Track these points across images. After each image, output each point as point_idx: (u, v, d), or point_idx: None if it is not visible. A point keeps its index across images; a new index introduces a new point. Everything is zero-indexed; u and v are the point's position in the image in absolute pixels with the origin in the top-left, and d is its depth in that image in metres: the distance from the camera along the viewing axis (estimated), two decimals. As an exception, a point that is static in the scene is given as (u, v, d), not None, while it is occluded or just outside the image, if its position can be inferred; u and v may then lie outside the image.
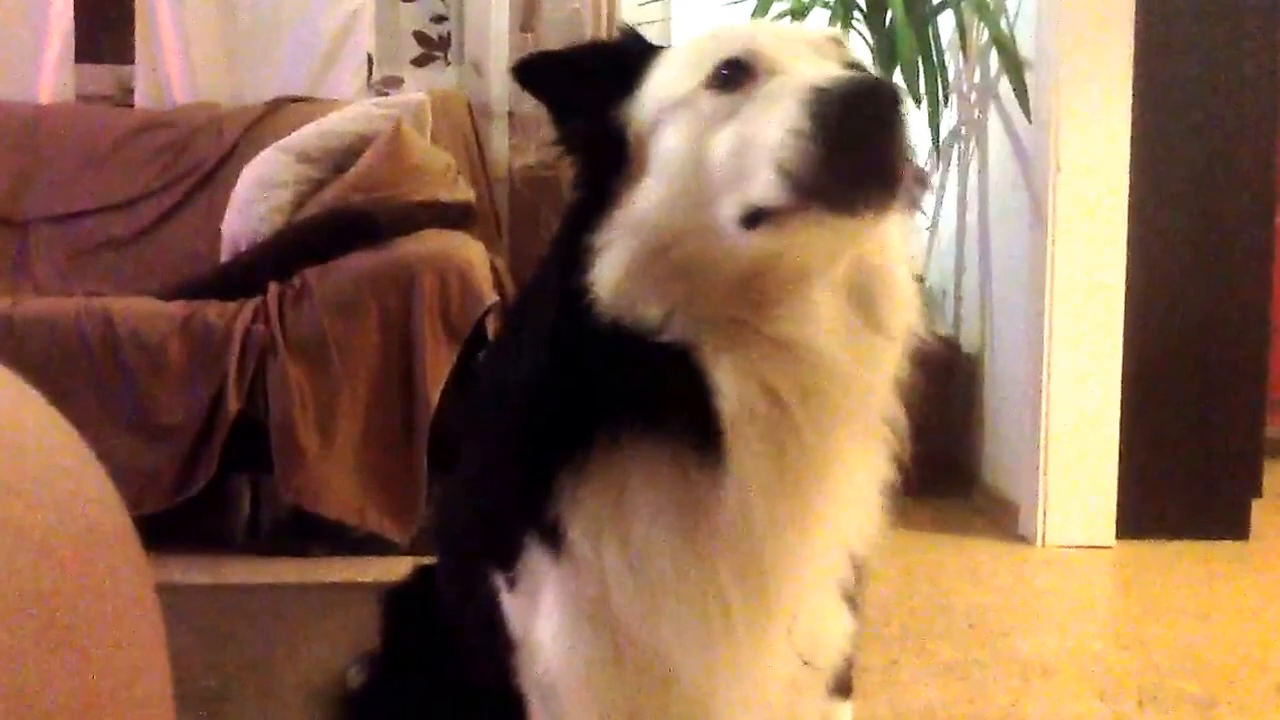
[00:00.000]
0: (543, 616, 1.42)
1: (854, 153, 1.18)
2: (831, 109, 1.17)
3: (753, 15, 4.72)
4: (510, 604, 1.47)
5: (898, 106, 1.18)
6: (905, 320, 1.38)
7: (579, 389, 1.34)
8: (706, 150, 1.28)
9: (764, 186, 1.21)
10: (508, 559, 1.44)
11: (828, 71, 1.25)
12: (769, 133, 1.21)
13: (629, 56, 1.43)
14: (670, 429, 1.31)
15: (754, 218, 1.24)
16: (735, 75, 1.29)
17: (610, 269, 1.30)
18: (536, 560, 1.41)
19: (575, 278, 1.31)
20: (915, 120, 4.87)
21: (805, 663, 1.41)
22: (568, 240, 1.36)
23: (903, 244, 1.40)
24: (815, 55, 1.32)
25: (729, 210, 1.25)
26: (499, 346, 1.64)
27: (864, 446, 1.40)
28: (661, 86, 1.37)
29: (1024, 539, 4.16)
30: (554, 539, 1.37)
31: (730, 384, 1.28)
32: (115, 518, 0.83)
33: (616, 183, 1.35)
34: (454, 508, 1.73)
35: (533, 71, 1.48)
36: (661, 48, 1.45)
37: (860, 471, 1.40)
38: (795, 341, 1.30)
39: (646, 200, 1.32)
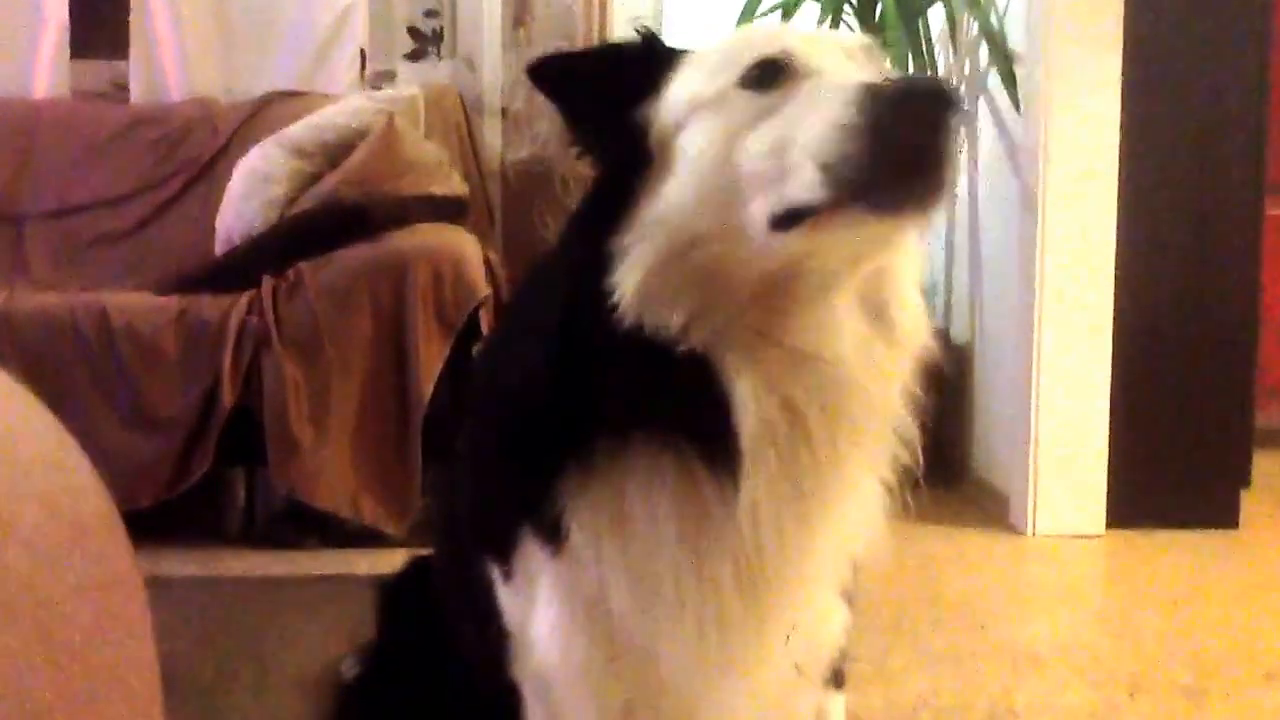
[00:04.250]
0: (539, 610, 1.41)
1: (902, 150, 1.16)
2: (885, 105, 1.15)
3: (745, 8, 4.73)
4: (506, 596, 1.46)
5: (951, 108, 1.16)
6: (917, 332, 1.37)
7: (586, 390, 1.32)
8: (739, 149, 1.26)
9: (804, 183, 1.19)
10: (504, 551, 1.44)
11: (872, 74, 1.24)
12: (813, 129, 1.19)
13: (650, 58, 1.41)
14: (683, 439, 1.30)
15: (787, 218, 1.22)
16: (770, 75, 1.27)
17: (632, 272, 1.28)
18: (533, 554, 1.40)
19: (596, 280, 1.29)
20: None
21: (799, 670, 1.41)
22: (587, 242, 1.34)
23: (913, 254, 1.39)
24: (849, 61, 1.31)
25: (760, 211, 1.23)
26: (498, 342, 1.62)
27: (872, 457, 1.39)
28: (689, 86, 1.35)
29: (1014, 528, 4.17)
30: (553, 535, 1.36)
31: (750, 398, 1.27)
32: (103, 512, 0.83)
33: (639, 184, 1.33)
34: (452, 498, 1.73)
35: (546, 72, 1.45)
36: (686, 50, 1.43)
37: (866, 482, 1.40)
38: (816, 354, 1.28)
39: (671, 200, 1.30)
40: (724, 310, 1.28)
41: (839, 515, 1.36)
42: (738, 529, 1.30)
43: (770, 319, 1.29)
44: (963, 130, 1.13)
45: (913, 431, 1.43)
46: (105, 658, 0.76)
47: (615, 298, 1.28)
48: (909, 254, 1.37)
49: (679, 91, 1.35)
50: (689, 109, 1.33)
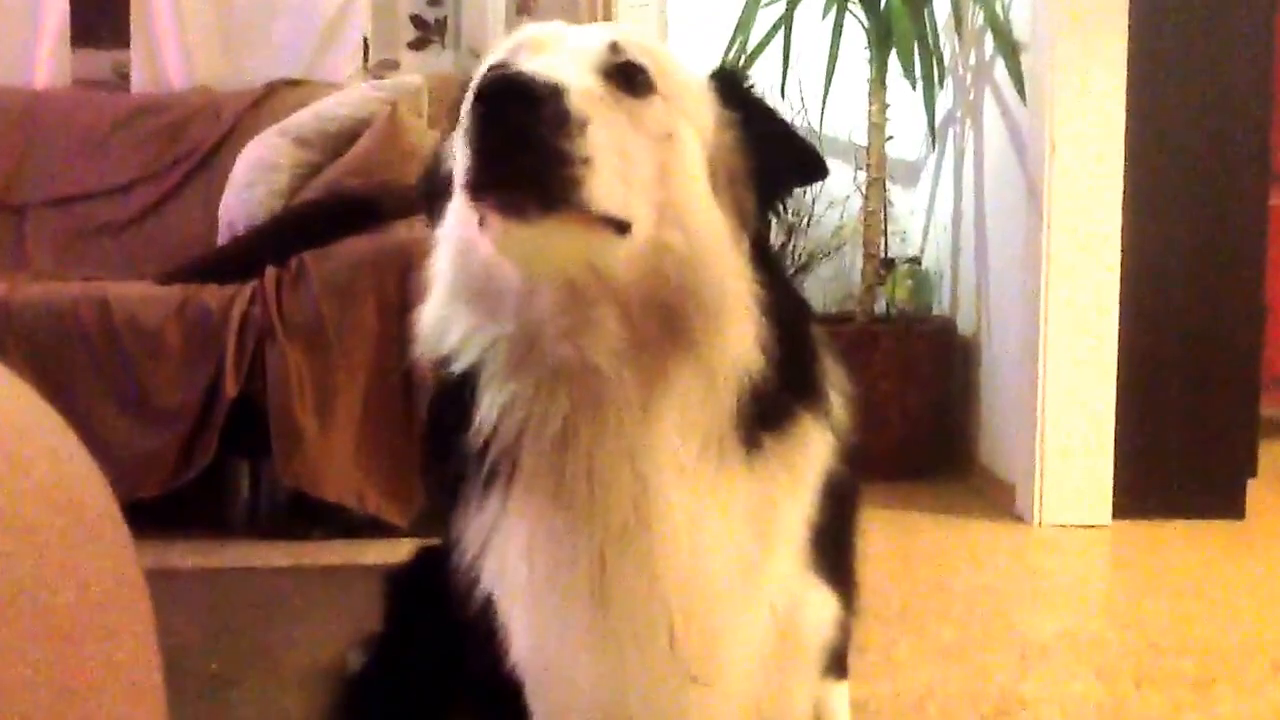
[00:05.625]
0: (517, 609, 1.42)
1: (485, 149, 1.14)
2: (470, 107, 1.14)
3: (746, 3, 4.74)
4: (497, 591, 1.47)
5: (524, 101, 1.12)
6: (724, 341, 1.30)
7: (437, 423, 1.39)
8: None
9: (459, 189, 1.21)
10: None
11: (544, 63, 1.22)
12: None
13: None
14: (467, 459, 1.33)
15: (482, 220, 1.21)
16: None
17: (429, 302, 1.33)
18: None
19: (407, 317, 1.35)
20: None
21: (693, 677, 1.38)
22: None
23: (737, 262, 1.33)
24: (571, 57, 1.27)
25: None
26: None
27: (664, 456, 1.32)
28: None
29: (1020, 519, 4.17)
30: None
31: (495, 413, 1.28)
32: (103, 505, 0.82)
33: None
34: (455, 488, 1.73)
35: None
36: None
37: (720, 487, 1.34)
38: (570, 361, 1.27)
39: (450, 213, 1.33)
40: (490, 324, 1.29)
41: (677, 519, 1.31)
42: (521, 541, 1.33)
43: (532, 327, 1.28)
44: (568, 125, 1.07)
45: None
46: (107, 651, 0.76)
47: (416, 330, 1.34)
48: (715, 281, 1.30)
49: None
50: None
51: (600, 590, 1.32)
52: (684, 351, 1.29)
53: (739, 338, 1.31)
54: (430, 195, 1.42)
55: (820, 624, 1.47)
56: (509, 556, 1.36)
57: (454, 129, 1.31)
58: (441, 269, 1.33)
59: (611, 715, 1.41)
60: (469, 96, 1.16)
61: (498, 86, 1.12)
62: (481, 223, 1.21)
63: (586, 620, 1.34)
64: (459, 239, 1.30)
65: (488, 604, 1.46)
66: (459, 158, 1.18)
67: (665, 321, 1.28)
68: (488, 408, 1.28)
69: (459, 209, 1.29)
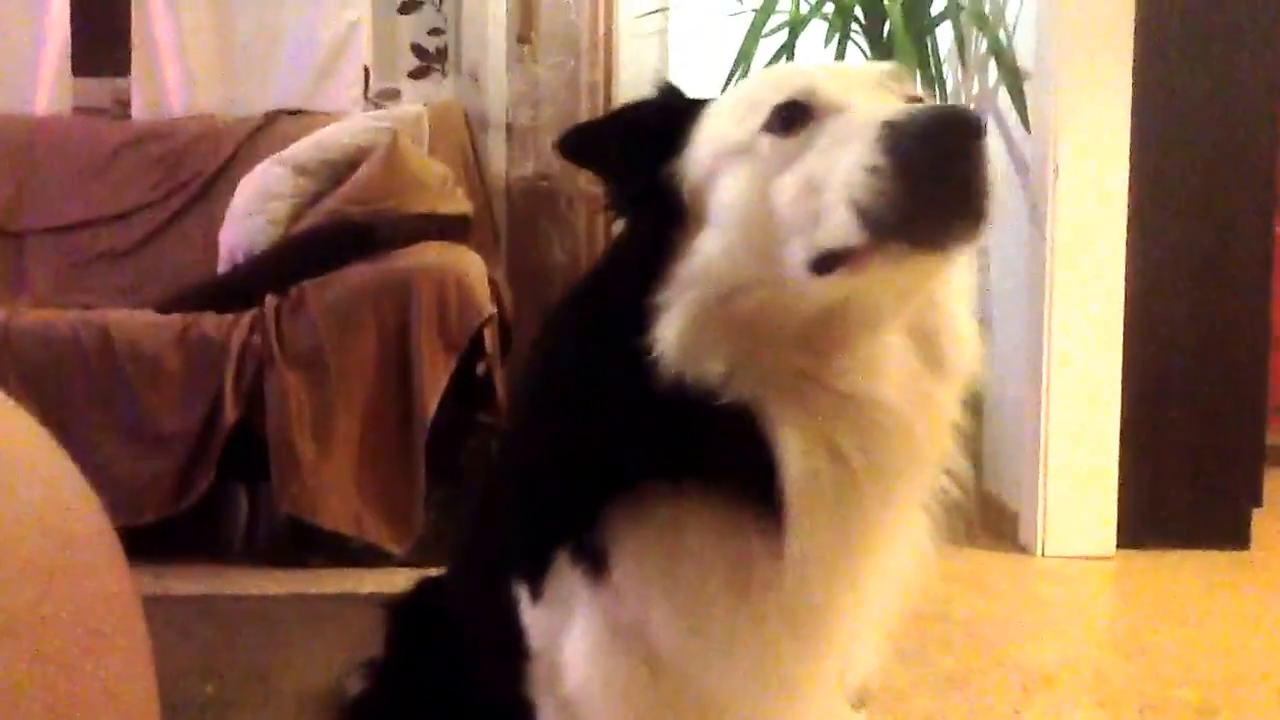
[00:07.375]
0: (573, 635, 1.41)
1: (936, 185, 1.15)
2: (909, 142, 1.13)
3: (751, 27, 4.73)
4: (532, 615, 1.45)
5: (978, 135, 1.15)
6: (967, 360, 1.36)
7: (634, 438, 1.32)
8: (769, 196, 1.25)
9: (838, 228, 1.17)
10: (535, 572, 1.43)
11: (894, 106, 1.23)
12: (840, 172, 1.18)
13: (670, 111, 1.42)
14: (728, 489, 1.29)
15: (825, 262, 1.20)
16: (794, 117, 1.26)
17: (672, 326, 1.27)
18: (569, 578, 1.39)
19: (634, 335, 1.29)
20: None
21: (851, 707, 1.42)
22: (626, 299, 1.32)
23: (960, 281, 1.39)
24: (875, 91, 1.30)
25: (796, 256, 1.22)
26: (538, 375, 1.58)
27: (919, 497, 1.39)
28: (715, 135, 1.34)
29: (1024, 548, 4.15)
30: (595, 565, 1.35)
31: (796, 449, 1.26)
32: (95, 527, 0.83)
33: (672, 239, 1.32)
34: (475, 513, 1.72)
35: (574, 144, 1.47)
36: (706, 99, 1.42)
37: (915, 522, 1.40)
38: (861, 395, 1.27)
39: (708, 252, 1.29)
40: (767, 357, 1.27)
41: (890, 556, 1.37)
42: (784, 578, 1.29)
43: (814, 362, 1.28)
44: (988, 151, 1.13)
45: (962, 465, 1.41)
46: (98, 672, 0.76)
47: (656, 352, 1.27)
48: (956, 281, 1.37)
49: (705, 142, 1.35)
50: (717, 158, 1.32)
51: (821, 620, 1.35)
52: (944, 379, 1.33)
53: (973, 349, 1.37)
54: (644, 208, 1.40)
55: (869, 654, 1.49)
56: (683, 579, 1.33)
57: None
58: (691, 299, 1.29)
59: None
60: (879, 132, 1.16)
61: (954, 123, 1.15)
62: (824, 266, 1.21)
63: (789, 645, 1.35)
64: (725, 279, 1.27)
65: (515, 626, 1.46)
66: (856, 191, 1.16)
67: (925, 347, 1.33)
68: (787, 440, 1.26)
69: (732, 250, 1.28)
